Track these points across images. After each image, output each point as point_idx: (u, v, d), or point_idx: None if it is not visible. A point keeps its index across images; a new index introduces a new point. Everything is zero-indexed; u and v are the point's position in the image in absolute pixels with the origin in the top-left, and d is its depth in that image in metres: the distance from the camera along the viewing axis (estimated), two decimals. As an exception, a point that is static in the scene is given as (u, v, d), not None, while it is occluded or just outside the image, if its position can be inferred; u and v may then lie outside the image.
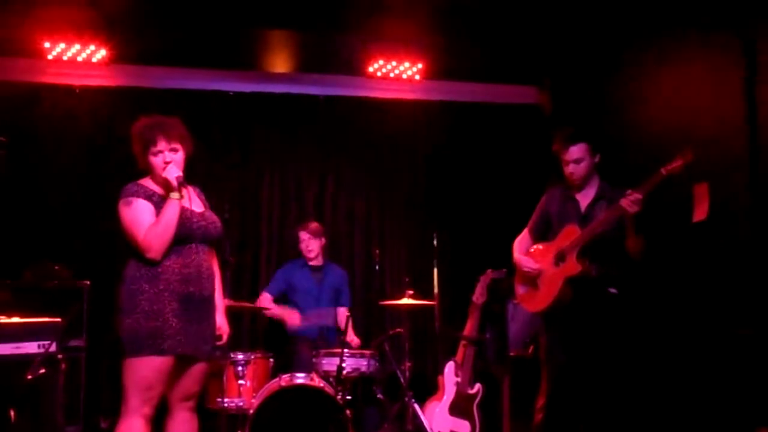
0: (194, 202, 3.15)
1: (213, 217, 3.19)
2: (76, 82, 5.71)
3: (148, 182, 3.17)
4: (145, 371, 2.95)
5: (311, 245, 5.07)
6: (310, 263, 5.10)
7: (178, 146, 3.11)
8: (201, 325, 3.04)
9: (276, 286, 5.11)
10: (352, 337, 4.83)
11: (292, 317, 4.92)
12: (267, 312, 4.99)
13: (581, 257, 3.57)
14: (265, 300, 5.04)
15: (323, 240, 5.17)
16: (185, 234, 3.04)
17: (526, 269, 3.78)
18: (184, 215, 3.06)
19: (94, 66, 5.70)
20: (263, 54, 5.99)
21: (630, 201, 3.37)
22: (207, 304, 3.08)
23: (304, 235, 5.11)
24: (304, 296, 5.00)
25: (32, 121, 5.62)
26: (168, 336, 2.95)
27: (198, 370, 3.09)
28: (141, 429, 2.96)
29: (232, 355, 4.24)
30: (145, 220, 3.02)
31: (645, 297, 4.29)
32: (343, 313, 4.96)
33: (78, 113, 5.71)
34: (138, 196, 3.07)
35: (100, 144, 5.74)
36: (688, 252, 4.12)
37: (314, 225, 5.21)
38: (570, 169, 3.65)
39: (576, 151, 3.63)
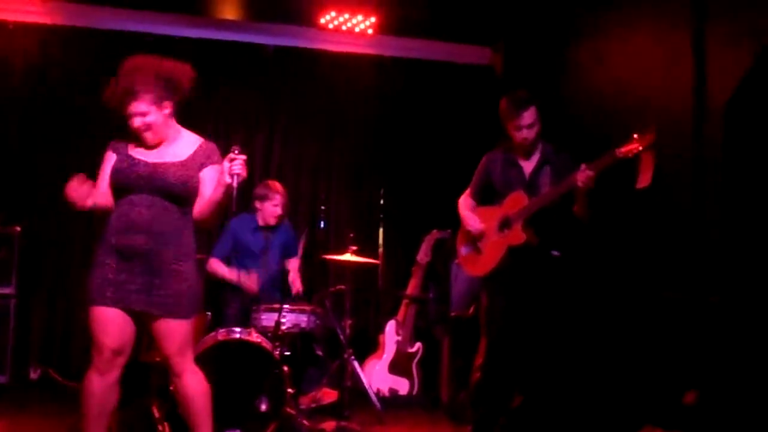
0: (163, 153, 3.04)
1: (173, 168, 2.99)
2: (10, 17, 5.42)
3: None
4: (91, 322, 2.97)
5: (280, 210, 4.77)
6: (262, 224, 4.79)
7: (146, 107, 2.97)
8: (136, 278, 2.94)
9: (224, 248, 4.79)
10: (297, 285, 4.69)
11: (250, 283, 4.58)
12: (218, 276, 4.70)
13: (526, 227, 3.56)
14: (216, 265, 4.71)
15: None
16: (123, 185, 2.99)
17: (470, 228, 3.76)
18: (127, 165, 3.00)
19: (31, 2, 5.41)
20: (212, -1, 5.79)
21: (583, 179, 3.35)
22: (145, 257, 2.95)
23: (275, 199, 4.73)
24: (251, 258, 4.81)
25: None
26: (98, 288, 2.95)
27: (161, 327, 2.99)
28: (92, 383, 2.96)
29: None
30: (102, 174, 3.06)
31: (587, 260, 4.33)
32: (293, 264, 4.83)
33: (11, 51, 5.43)
34: (111, 148, 3.11)
35: (32, 85, 5.50)
36: (631, 216, 4.16)
37: (282, 188, 4.83)
38: (524, 134, 3.60)
39: (528, 116, 3.58)
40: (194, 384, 3.10)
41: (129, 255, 2.95)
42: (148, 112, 2.99)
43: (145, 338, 4.05)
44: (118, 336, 2.96)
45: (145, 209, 2.96)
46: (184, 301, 3.02)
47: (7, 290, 4.83)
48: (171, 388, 3.71)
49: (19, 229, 4.94)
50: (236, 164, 2.91)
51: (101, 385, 2.96)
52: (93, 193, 2.95)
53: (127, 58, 3.04)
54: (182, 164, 3.03)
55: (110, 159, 3.07)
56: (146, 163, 3.01)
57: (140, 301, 2.95)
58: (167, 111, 3.05)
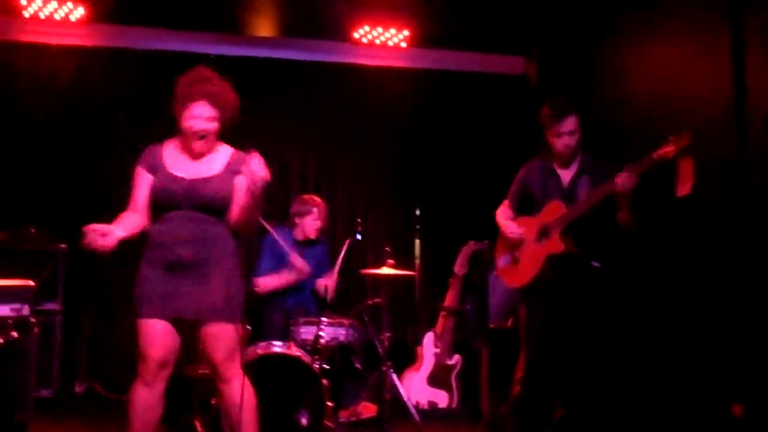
0: (201, 166, 3.08)
1: (212, 183, 3.04)
2: (54, 41, 5.58)
3: (170, 146, 3.14)
4: (138, 334, 3.02)
5: (321, 223, 4.82)
6: (301, 238, 4.82)
7: (213, 113, 3.05)
8: (183, 288, 2.99)
9: (266, 266, 4.77)
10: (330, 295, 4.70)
11: (300, 266, 4.60)
12: (272, 288, 4.68)
13: (565, 235, 3.54)
14: (263, 281, 4.69)
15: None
16: (164, 202, 3.04)
17: (509, 234, 3.73)
18: (167, 182, 3.04)
19: (72, 25, 5.58)
20: (247, 17, 5.88)
21: (622, 182, 3.32)
22: (191, 268, 3.00)
23: (314, 213, 4.77)
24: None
25: (8, 81, 5.50)
26: (147, 300, 3.01)
27: (212, 332, 3.01)
28: (139, 394, 3.01)
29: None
30: (137, 192, 3.09)
31: (628, 270, 4.27)
32: (329, 279, 4.83)
33: (55, 73, 5.60)
34: (143, 164, 3.11)
35: (77, 104, 5.64)
36: (673, 225, 4.10)
37: (320, 200, 4.88)
38: (565, 140, 3.58)
39: (570, 122, 3.56)
40: (234, 391, 3.08)
41: (175, 268, 3.01)
42: (213, 118, 3.05)
43: (187, 352, 4.11)
44: (164, 348, 3.01)
45: (187, 223, 3.02)
46: (232, 304, 3.06)
47: (53, 306, 4.94)
48: (213, 401, 3.77)
49: (64, 246, 5.05)
50: (256, 168, 2.95)
51: (147, 396, 3.01)
52: (113, 230, 2.93)
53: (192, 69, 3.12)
54: (219, 177, 3.09)
55: (144, 177, 3.10)
56: (186, 180, 3.05)
57: (190, 310, 3.00)
58: (219, 126, 3.12)
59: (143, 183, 3.10)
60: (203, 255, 3.02)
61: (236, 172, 3.10)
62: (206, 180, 3.06)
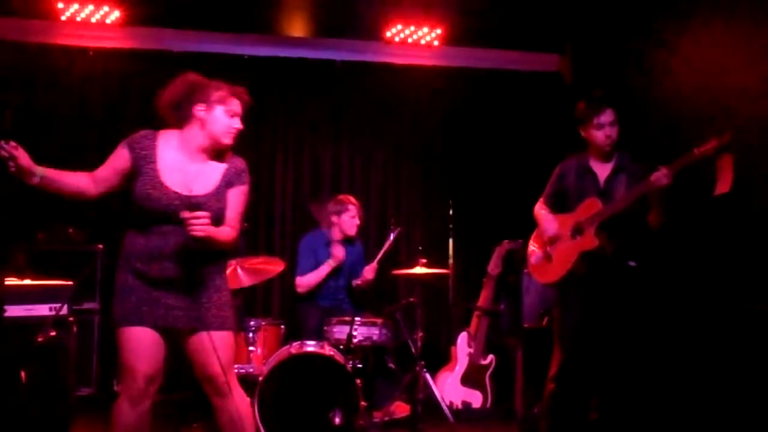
0: (195, 177, 2.86)
1: (207, 203, 2.81)
2: (90, 44, 5.66)
3: (167, 140, 2.92)
4: (121, 347, 2.81)
5: (358, 221, 4.85)
6: (339, 237, 4.83)
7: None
8: (173, 296, 2.80)
9: (308, 263, 4.79)
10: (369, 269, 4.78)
11: (337, 253, 4.72)
12: (315, 283, 4.76)
13: (599, 232, 3.49)
14: (305, 278, 4.75)
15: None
16: (153, 214, 2.81)
17: (547, 231, 3.68)
18: (159, 193, 2.81)
19: (108, 28, 5.65)
20: (280, 17, 5.90)
21: (659, 177, 3.27)
22: (178, 283, 2.80)
23: (352, 211, 4.82)
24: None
25: (45, 83, 5.59)
26: (132, 308, 2.79)
27: (204, 344, 2.80)
28: (121, 410, 2.79)
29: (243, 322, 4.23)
30: (105, 166, 2.92)
31: (665, 270, 4.20)
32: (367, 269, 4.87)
33: (92, 75, 5.69)
34: (130, 148, 2.89)
35: (113, 106, 5.72)
36: (711, 224, 4.02)
37: (355, 200, 4.91)
38: (607, 131, 3.53)
39: (610, 112, 3.52)
40: (244, 404, 2.93)
41: (161, 281, 2.81)
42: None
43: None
44: (152, 361, 2.80)
45: (178, 239, 2.79)
46: (231, 312, 2.92)
47: (91, 305, 5.03)
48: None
49: (101, 246, 5.13)
50: (194, 228, 2.69)
51: (133, 415, 2.78)
52: (32, 169, 2.79)
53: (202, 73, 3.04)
54: (214, 194, 2.88)
55: (121, 159, 2.89)
56: (179, 195, 2.82)
57: (185, 318, 2.81)
58: None
59: (116, 163, 2.90)
60: (193, 267, 2.82)
61: (231, 185, 2.91)
62: (202, 198, 2.84)
